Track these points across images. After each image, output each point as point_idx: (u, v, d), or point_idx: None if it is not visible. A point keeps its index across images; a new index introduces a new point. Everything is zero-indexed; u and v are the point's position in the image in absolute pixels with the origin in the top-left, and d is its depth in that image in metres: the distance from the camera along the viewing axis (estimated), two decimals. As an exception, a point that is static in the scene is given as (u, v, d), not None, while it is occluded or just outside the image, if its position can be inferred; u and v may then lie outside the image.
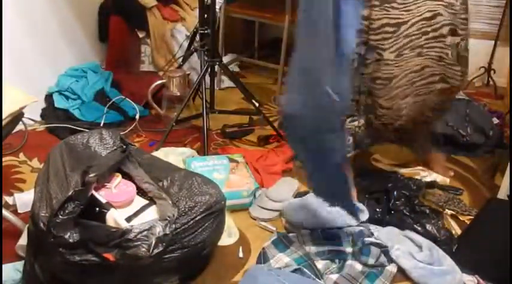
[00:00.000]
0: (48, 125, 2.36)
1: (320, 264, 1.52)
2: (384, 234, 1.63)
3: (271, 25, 3.14)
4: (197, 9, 2.41)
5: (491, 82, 3.21)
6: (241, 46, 3.41)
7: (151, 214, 1.36)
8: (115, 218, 1.27)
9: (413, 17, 1.52)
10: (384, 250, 1.56)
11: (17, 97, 1.49)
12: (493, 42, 3.16)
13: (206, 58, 2.30)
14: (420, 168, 2.15)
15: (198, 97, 2.55)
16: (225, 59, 3.03)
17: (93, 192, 1.31)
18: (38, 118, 2.42)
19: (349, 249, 1.57)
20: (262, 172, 2.03)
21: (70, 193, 1.20)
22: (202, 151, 2.13)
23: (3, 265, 1.40)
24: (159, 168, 1.53)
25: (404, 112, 1.62)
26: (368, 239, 1.57)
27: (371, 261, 1.51)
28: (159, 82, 2.50)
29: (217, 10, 2.44)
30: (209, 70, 2.35)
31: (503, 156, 2.23)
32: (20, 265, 1.40)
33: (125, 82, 2.78)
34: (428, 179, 2.04)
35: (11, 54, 2.18)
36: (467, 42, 1.62)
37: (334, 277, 1.46)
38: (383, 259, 1.53)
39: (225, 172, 1.88)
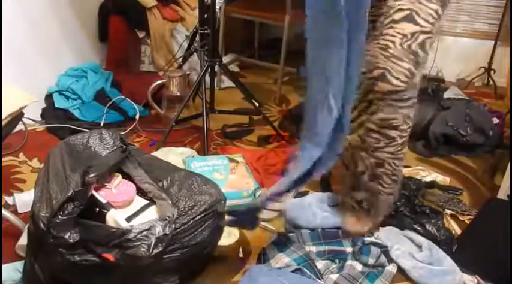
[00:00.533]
0: (48, 125, 2.36)
1: (320, 264, 1.52)
2: (384, 234, 1.63)
3: (271, 25, 3.15)
4: (197, 9, 2.41)
5: (491, 82, 3.21)
6: (241, 46, 3.41)
7: (151, 214, 1.36)
8: (115, 218, 1.27)
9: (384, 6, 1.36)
10: (384, 250, 1.56)
11: (17, 97, 1.49)
12: (493, 42, 3.17)
13: (206, 58, 2.30)
14: (420, 167, 2.15)
15: (198, 97, 2.55)
16: (225, 59, 3.03)
17: (93, 192, 1.31)
18: (38, 118, 2.42)
19: (349, 249, 1.57)
20: (262, 172, 2.03)
21: (70, 193, 1.20)
22: (202, 151, 2.13)
23: (3, 265, 1.40)
24: (159, 168, 1.53)
25: None
26: (368, 239, 1.57)
27: (371, 261, 1.51)
28: (159, 82, 2.50)
29: (217, 10, 2.44)
30: (209, 70, 2.35)
31: (503, 156, 2.23)
32: (20, 265, 1.40)
33: (125, 82, 2.78)
34: (428, 179, 2.05)
35: (11, 54, 2.18)
36: (428, 39, 1.31)
37: (334, 277, 1.46)
38: (383, 259, 1.53)
39: (225, 172, 1.88)
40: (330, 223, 1.65)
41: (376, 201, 1.56)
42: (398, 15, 1.30)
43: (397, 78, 1.32)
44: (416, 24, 1.29)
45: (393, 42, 1.31)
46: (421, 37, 1.29)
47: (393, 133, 1.41)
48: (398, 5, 1.30)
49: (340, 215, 1.65)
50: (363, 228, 1.59)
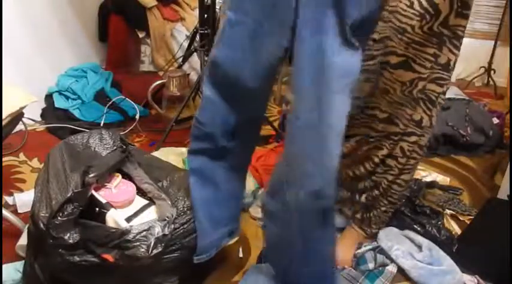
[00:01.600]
0: (48, 125, 2.36)
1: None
2: (384, 234, 1.63)
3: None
4: (197, 9, 2.41)
5: (491, 82, 3.21)
6: (241, 46, 3.40)
7: (152, 214, 1.36)
8: (115, 218, 1.27)
9: None
10: (378, 249, 1.56)
11: (17, 97, 1.49)
12: (493, 42, 3.17)
13: (206, 58, 2.30)
14: (420, 167, 2.15)
15: (198, 97, 2.55)
16: (225, 59, 3.03)
17: (93, 192, 1.31)
18: (38, 118, 2.43)
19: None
20: (262, 172, 2.03)
21: (69, 194, 1.19)
22: (202, 151, 2.13)
23: (3, 265, 1.40)
24: (159, 168, 1.53)
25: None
26: (359, 251, 1.56)
27: (371, 266, 1.51)
28: (159, 82, 2.50)
29: (217, 10, 2.44)
30: (209, 70, 2.34)
31: (503, 156, 2.23)
32: (20, 265, 1.40)
33: (125, 82, 2.78)
34: (428, 179, 2.05)
35: (11, 54, 2.18)
36: (427, 83, 1.27)
37: (334, 277, 1.46)
38: (380, 258, 1.53)
39: (225, 172, 1.88)
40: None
41: (369, 213, 1.56)
42: (393, 60, 1.27)
43: (401, 121, 1.34)
44: (414, 71, 1.26)
45: (394, 89, 1.30)
46: (421, 83, 1.27)
47: (390, 161, 1.42)
48: (392, 46, 1.26)
49: (339, 215, 1.65)
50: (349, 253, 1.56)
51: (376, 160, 1.44)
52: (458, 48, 1.26)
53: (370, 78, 1.34)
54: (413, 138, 1.36)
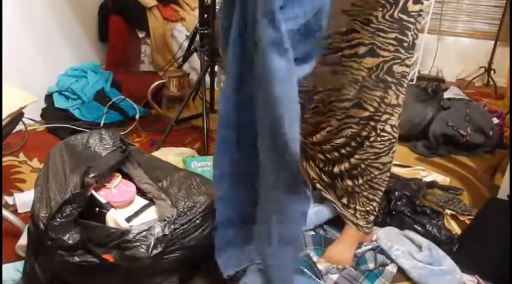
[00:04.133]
0: (48, 125, 2.36)
1: (321, 265, 1.52)
2: (384, 234, 1.63)
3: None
4: (197, 9, 2.41)
5: (491, 82, 3.22)
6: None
7: (152, 214, 1.36)
8: (115, 218, 1.27)
9: (329, 30, 1.35)
10: (378, 249, 1.56)
11: (17, 97, 1.49)
12: (493, 42, 3.17)
13: (206, 58, 2.30)
14: (420, 167, 2.15)
15: (198, 97, 2.55)
16: (225, 59, 3.03)
17: (93, 192, 1.31)
18: (38, 118, 2.43)
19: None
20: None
21: (68, 196, 1.19)
22: (202, 151, 2.13)
23: (3, 265, 1.40)
24: (159, 168, 1.53)
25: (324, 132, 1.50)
26: (359, 251, 1.56)
27: (371, 266, 1.51)
28: (159, 82, 2.50)
29: (217, 10, 2.44)
30: (209, 70, 2.35)
31: (503, 156, 2.23)
32: (20, 265, 1.40)
33: (125, 82, 2.79)
34: (428, 179, 2.05)
35: (11, 54, 2.18)
36: (392, 65, 1.36)
37: (334, 277, 1.46)
38: (380, 258, 1.53)
39: (225, 172, 1.88)
40: (324, 217, 1.65)
41: (353, 199, 1.57)
42: (361, 50, 1.36)
43: (372, 105, 1.40)
44: (379, 56, 1.35)
45: (362, 76, 1.38)
46: (386, 65, 1.36)
47: (366, 144, 1.45)
48: (359, 38, 1.35)
49: (325, 205, 1.65)
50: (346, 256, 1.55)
51: (353, 144, 1.48)
52: (418, 30, 1.37)
53: (337, 70, 1.41)
54: (384, 117, 1.41)
